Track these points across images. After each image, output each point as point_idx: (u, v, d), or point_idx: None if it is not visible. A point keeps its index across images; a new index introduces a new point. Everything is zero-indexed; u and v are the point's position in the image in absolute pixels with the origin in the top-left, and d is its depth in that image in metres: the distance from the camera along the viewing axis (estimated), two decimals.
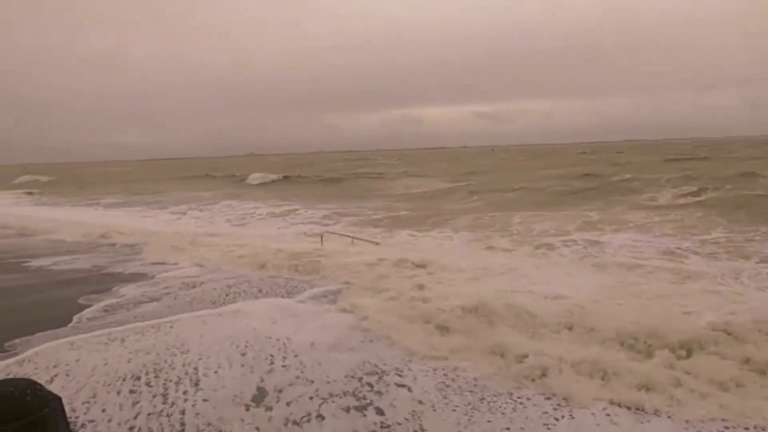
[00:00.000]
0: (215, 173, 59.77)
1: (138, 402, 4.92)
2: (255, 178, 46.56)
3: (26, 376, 5.32)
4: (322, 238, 14.26)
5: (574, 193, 25.66)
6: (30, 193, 42.25)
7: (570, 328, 6.24)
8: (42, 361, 6.01)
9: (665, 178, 27.74)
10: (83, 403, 4.93)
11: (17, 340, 6.68)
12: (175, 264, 11.65)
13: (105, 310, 8.10)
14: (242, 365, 5.73)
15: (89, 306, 8.30)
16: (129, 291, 9.30)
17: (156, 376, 5.48)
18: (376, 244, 13.95)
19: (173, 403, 4.90)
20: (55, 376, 5.55)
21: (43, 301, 8.90)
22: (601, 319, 6.35)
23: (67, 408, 3.72)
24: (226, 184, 44.82)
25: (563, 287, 8.20)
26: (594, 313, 6.63)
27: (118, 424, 4.57)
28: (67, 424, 1.00)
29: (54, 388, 4.80)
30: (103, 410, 4.79)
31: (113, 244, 14.62)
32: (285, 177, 46.96)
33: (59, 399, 1.05)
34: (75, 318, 7.69)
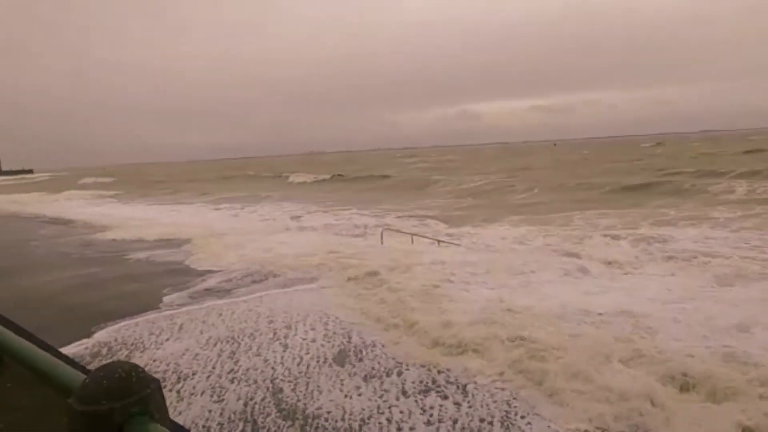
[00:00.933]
0: (267, 173, 61.73)
1: (238, 359, 6.07)
2: (305, 177, 47.42)
3: (139, 342, 6.87)
4: (382, 235, 14.35)
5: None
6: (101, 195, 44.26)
7: None
8: (145, 330, 7.31)
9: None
10: (192, 358, 6.12)
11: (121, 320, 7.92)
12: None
13: (190, 297, 9.25)
14: (324, 334, 6.78)
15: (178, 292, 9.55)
16: (209, 279, 10.46)
17: (252, 339, 6.69)
18: (457, 245, 13.68)
19: (266, 360, 6.01)
20: (166, 340, 6.81)
21: (134, 289, 10.15)
22: None
23: (175, 365, 5.72)
24: (279, 184, 45.87)
25: None
26: None
27: (219, 375, 5.61)
28: (165, 402, 1.17)
29: (165, 348, 6.57)
30: (207, 364, 5.93)
31: (185, 240, 15.29)
32: (336, 175, 46.75)
33: (158, 381, 1.20)
34: (166, 300, 8.98)
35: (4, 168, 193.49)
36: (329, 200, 28.32)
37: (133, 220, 22.02)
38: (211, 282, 10.21)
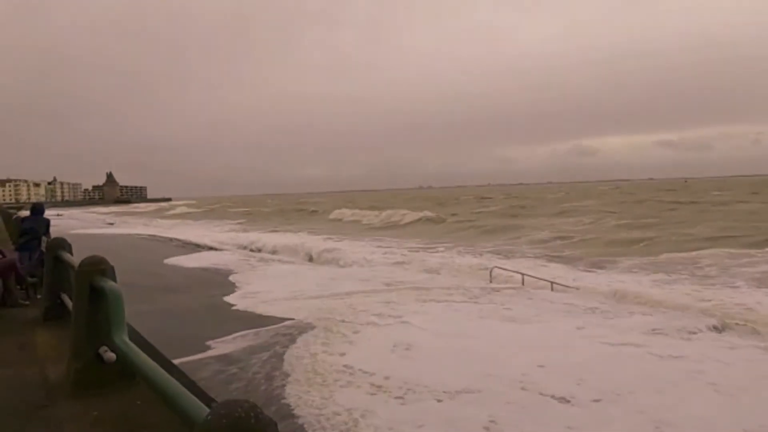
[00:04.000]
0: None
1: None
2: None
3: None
4: (491, 273, 13.94)
5: None
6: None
7: None
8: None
9: None
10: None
11: None
12: None
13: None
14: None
15: None
16: None
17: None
18: (576, 289, 12.92)
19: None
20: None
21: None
22: None
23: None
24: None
25: None
26: None
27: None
28: None
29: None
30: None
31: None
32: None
33: (275, 424, 1.23)
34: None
35: (149, 196, 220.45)
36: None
37: None
38: None
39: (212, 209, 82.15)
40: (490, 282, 13.56)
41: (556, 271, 15.77)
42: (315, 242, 25.13)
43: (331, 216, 49.20)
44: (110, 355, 2.46)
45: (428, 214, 42.15)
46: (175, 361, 3.81)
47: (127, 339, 2.28)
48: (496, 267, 14.88)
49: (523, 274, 13.84)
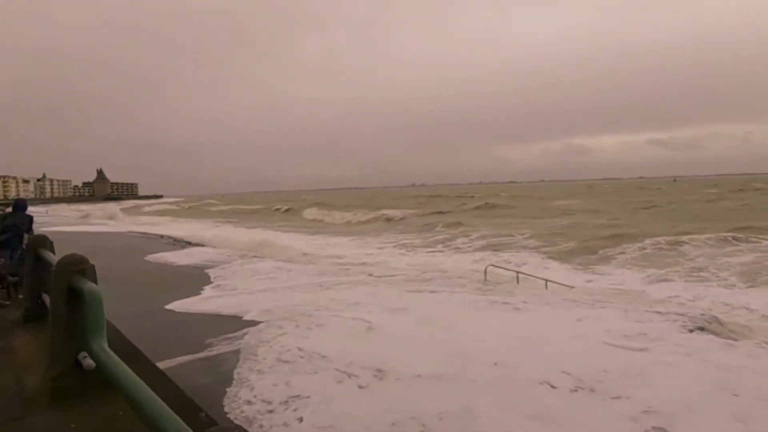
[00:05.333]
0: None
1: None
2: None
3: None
4: (485, 272, 13.81)
5: None
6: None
7: None
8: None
9: None
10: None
11: None
12: None
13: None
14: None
15: None
16: None
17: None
18: (570, 287, 12.78)
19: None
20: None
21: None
22: None
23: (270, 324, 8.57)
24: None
25: None
26: None
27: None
28: None
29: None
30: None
31: None
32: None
33: None
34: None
35: (141, 193, 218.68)
36: None
37: None
38: None
39: (191, 207, 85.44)
40: (485, 280, 13.41)
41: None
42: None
43: (304, 215, 51.50)
44: (90, 362, 2.27)
45: (387, 212, 43.76)
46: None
47: (105, 346, 2.09)
48: (491, 265, 14.73)
49: (518, 272, 13.73)
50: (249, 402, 5.61)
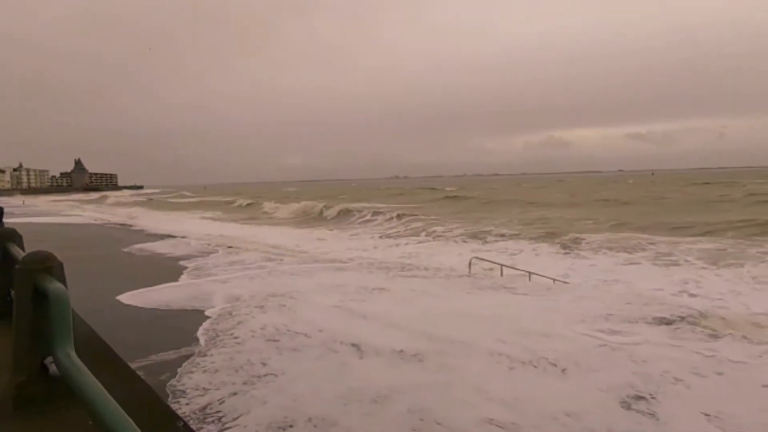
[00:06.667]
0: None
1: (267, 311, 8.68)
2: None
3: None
4: (470, 264, 13.79)
5: None
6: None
7: None
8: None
9: None
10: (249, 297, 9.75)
11: None
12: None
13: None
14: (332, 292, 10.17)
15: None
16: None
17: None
18: (566, 283, 12.82)
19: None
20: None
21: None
22: None
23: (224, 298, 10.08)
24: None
25: None
26: None
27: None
28: None
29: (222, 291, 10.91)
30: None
31: None
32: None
33: None
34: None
35: (120, 184, 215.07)
36: None
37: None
38: None
39: (152, 199, 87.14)
40: (470, 273, 13.40)
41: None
42: None
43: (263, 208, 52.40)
44: (56, 368, 2.11)
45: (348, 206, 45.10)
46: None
47: (70, 351, 1.92)
48: (474, 257, 14.72)
49: (502, 265, 13.75)
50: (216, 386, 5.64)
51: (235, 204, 57.98)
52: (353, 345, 7.19)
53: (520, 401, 5.30)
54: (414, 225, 27.68)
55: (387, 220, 31.59)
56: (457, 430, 4.76)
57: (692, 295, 11.46)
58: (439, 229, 24.85)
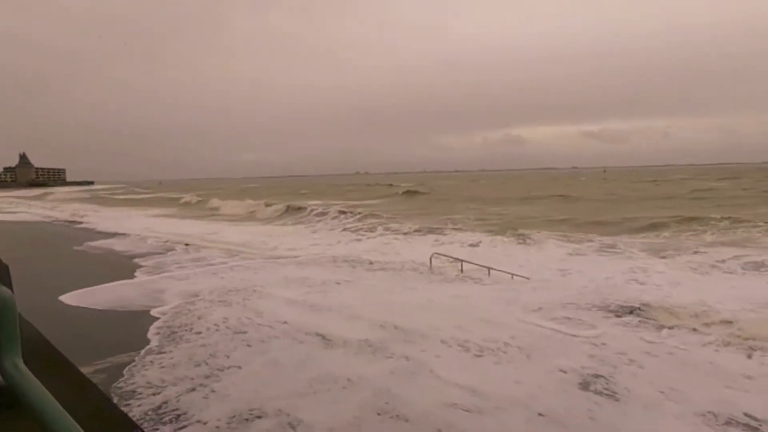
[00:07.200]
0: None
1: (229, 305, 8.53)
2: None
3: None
4: (431, 260, 13.92)
5: None
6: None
7: None
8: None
9: None
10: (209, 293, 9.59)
11: None
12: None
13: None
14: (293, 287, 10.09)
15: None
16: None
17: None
18: (512, 275, 13.00)
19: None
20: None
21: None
22: None
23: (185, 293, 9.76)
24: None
25: None
26: None
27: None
28: None
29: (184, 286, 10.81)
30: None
31: None
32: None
33: None
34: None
35: (69, 179, 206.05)
36: None
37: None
38: None
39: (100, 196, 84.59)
40: (430, 269, 13.54)
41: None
42: None
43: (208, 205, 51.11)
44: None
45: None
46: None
47: (17, 360, 1.85)
48: (435, 253, 14.87)
49: (462, 261, 13.93)
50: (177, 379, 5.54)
51: (182, 201, 56.04)
52: (318, 335, 7.27)
53: (482, 385, 5.48)
54: (373, 221, 27.74)
55: (344, 215, 31.64)
56: (421, 414, 4.88)
57: (640, 283, 12.03)
58: (398, 225, 24.99)
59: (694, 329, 7.56)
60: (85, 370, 5.63)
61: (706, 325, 7.80)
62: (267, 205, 39.49)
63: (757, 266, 13.05)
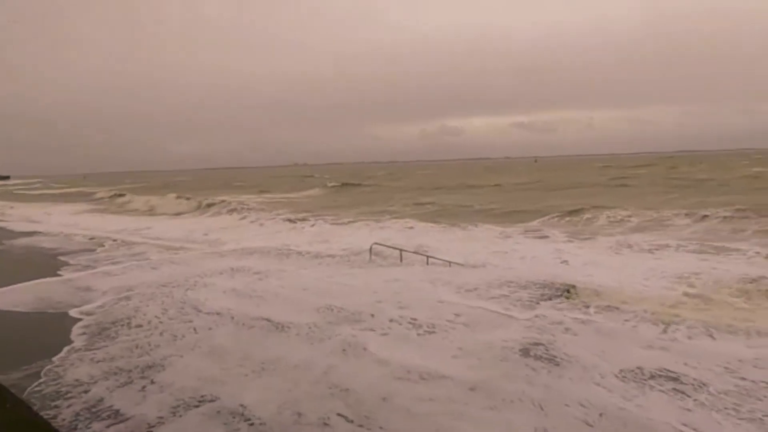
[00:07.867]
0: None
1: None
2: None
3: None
4: (371, 250, 14.00)
5: None
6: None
7: None
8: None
9: None
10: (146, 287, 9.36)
11: None
12: None
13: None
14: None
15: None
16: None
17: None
18: (449, 263, 13.27)
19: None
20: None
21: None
22: None
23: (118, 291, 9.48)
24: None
25: None
26: None
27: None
28: None
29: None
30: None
31: None
32: None
33: None
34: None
35: None
36: None
37: None
38: None
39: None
40: (370, 259, 13.64)
41: None
42: None
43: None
44: None
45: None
46: None
47: None
48: (375, 243, 14.96)
49: (401, 250, 14.10)
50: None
51: (97, 195, 52.36)
52: (265, 319, 7.35)
53: (425, 359, 5.77)
54: (312, 211, 27.59)
55: (275, 206, 31.33)
56: (368, 387, 5.10)
57: (564, 262, 12.95)
58: (335, 217, 25.02)
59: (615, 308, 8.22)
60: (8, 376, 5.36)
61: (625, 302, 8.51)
62: (186, 199, 37.31)
63: (662, 247, 14.30)
